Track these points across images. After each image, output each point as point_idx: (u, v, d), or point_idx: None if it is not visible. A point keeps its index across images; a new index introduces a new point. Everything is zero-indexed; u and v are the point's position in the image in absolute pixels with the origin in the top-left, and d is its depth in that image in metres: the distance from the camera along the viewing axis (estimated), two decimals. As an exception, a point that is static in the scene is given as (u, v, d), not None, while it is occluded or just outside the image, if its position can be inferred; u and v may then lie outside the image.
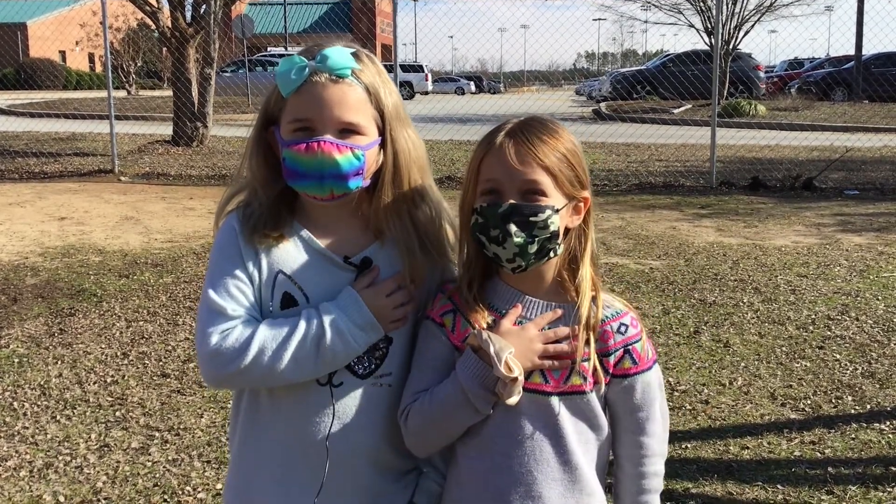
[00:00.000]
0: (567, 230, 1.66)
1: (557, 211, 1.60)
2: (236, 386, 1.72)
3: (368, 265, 1.70)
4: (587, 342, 1.62)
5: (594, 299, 1.66)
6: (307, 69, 1.62)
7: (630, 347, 1.66)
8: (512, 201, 1.58)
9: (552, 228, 1.59)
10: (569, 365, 1.61)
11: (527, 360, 1.59)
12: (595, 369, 1.63)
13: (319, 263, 1.69)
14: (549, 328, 1.64)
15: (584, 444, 1.64)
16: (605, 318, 1.66)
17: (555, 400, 1.61)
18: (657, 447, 1.69)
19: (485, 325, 1.63)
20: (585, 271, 1.67)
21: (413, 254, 1.70)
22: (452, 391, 1.60)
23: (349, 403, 1.68)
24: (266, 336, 1.61)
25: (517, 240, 1.56)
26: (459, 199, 1.68)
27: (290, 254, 1.69)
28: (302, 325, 1.62)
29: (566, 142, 1.64)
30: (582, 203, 1.67)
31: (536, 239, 1.58)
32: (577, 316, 1.63)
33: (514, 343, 1.58)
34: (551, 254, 1.62)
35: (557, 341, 1.62)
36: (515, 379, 1.54)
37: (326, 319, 1.62)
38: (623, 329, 1.66)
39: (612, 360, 1.64)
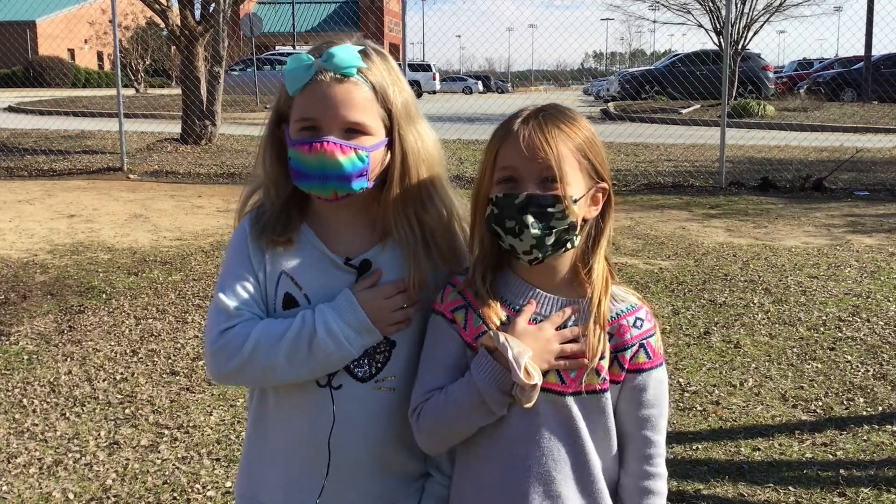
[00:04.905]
0: (584, 221, 1.61)
1: (575, 201, 1.56)
2: (238, 383, 1.75)
3: (368, 267, 1.68)
4: (601, 339, 1.58)
5: (606, 293, 1.62)
6: (313, 67, 1.61)
7: (645, 342, 1.62)
8: (528, 192, 1.54)
9: (570, 219, 1.55)
10: (585, 364, 1.57)
11: (543, 362, 1.56)
12: (611, 366, 1.60)
13: (321, 265, 1.69)
14: (564, 325, 1.60)
15: (598, 443, 1.62)
16: (621, 313, 1.63)
17: (571, 400, 1.58)
18: (664, 446, 1.65)
19: (498, 323, 1.59)
20: (599, 265, 1.63)
21: (416, 256, 1.67)
22: (467, 392, 1.57)
23: (350, 406, 1.66)
24: (261, 334, 1.62)
25: (534, 231, 1.52)
26: (473, 187, 1.64)
27: (293, 255, 1.69)
28: (296, 325, 1.62)
29: (584, 130, 1.60)
30: (600, 193, 1.63)
31: (554, 230, 1.54)
32: (590, 312, 1.60)
33: (531, 344, 1.54)
34: (568, 245, 1.58)
35: (573, 340, 1.59)
36: (535, 385, 1.51)
37: (319, 320, 1.62)
38: (639, 323, 1.63)
39: (628, 355, 1.61)
